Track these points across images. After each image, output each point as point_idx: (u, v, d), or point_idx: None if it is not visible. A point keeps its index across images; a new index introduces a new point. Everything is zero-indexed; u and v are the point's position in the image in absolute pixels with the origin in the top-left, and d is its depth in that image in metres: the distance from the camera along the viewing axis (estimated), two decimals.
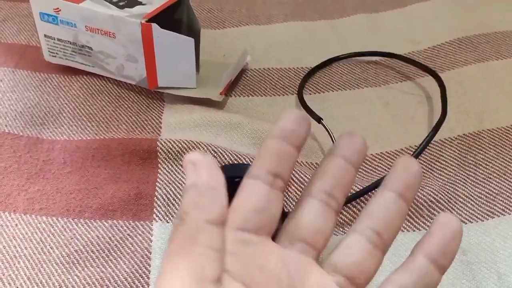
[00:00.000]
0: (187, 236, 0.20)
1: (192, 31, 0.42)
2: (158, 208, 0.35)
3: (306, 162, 0.38)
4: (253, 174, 0.23)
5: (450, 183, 0.37)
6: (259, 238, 0.22)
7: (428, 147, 0.40)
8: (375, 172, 0.38)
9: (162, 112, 0.42)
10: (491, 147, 0.40)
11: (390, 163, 0.39)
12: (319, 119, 0.40)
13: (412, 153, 0.39)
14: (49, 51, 0.43)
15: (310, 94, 0.45)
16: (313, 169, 0.38)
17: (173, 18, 0.42)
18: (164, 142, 0.38)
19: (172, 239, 0.21)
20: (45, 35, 0.42)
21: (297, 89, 0.45)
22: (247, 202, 0.23)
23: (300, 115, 0.25)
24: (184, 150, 0.38)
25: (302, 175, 0.36)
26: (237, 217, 0.22)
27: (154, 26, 0.38)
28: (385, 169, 0.38)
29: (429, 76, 0.46)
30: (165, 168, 0.37)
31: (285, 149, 0.24)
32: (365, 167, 0.38)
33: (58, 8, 0.39)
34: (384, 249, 0.24)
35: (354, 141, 0.26)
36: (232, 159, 0.36)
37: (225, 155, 0.37)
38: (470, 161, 0.39)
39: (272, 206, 0.23)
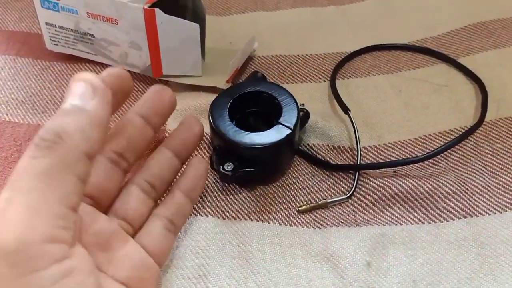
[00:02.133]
0: (64, 160, 0.20)
1: (197, 18, 0.41)
2: None
3: (333, 145, 0.37)
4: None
5: (467, 173, 0.36)
6: None
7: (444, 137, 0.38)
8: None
9: None
10: (508, 135, 0.38)
11: (403, 153, 0.37)
12: (346, 110, 0.38)
13: (428, 151, 0.38)
14: (50, 39, 0.42)
15: (319, 82, 0.43)
16: (336, 153, 0.37)
17: (177, 4, 0.40)
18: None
19: (43, 154, 0.19)
20: (46, 23, 0.41)
21: (305, 77, 0.44)
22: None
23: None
24: None
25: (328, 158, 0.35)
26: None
27: (158, 11, 0.36)
28: (398, 159, 0.37)
29: (443, 63, 0.45)
30: None
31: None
32: (378, 156, 0.37)
33: None
34: (156, 198, 0.29)
35: (160, 98, 0.28)
36: None
37: None
38: (487, 151, 0.37)
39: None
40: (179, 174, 0.31)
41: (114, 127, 0.27)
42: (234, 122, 0.33)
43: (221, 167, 0.32)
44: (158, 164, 0.29)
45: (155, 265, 0.27)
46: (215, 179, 0.35)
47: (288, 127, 0.33)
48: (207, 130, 0.36)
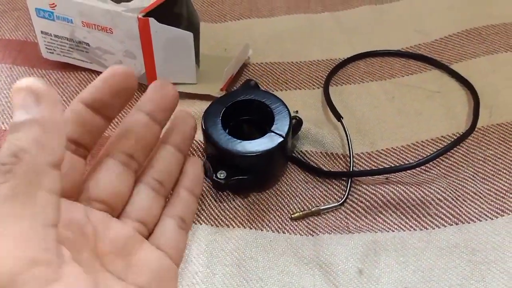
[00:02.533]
0: (27, 178, 0.18)
1: (192, 25, 0.41)
2: None
3: (326, 152, 0.38)
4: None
5: (459, 180, 0.36)
6: (63, 200, 0.22)
7: (436, 143, 0.39)
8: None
9: None
10: (500, 142, 0.38)
11: (396, 160, 0.37)
12: (339, 117, 0.39)
13: (421, 158, 0.38)
14: (46, 47, 0.42)
15: (313, 89, 0.44)
16: (330, 160, 0.37)
17: (172, 12, 0.41)
18: None
19: (6, 179, 0.18)
20: (41, 32, 0.41)
21: (299, 84, 0.44)
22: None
23: (123, 79, 0.25)
24: None
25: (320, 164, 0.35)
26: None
27: (152, 20, 0.37)
28: (391, 166, 0.37)
29: (436, 69, 0.45)
30: None
31: (91, 118, 0.25)
32: (371, 163, 0.37)
33: (53, 4, 0.38)
34: (166, 194, 0.29)
35: (163, 94, 0.27)
36: None
37: None
38: (479, 157, 0.37)
39: (72, 170, 0.24)
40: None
41: (121, 128, 0.26)
42: (227, 131, 0.33)
43: (214, 175, 0.33)
44: (163, 160, 0.28)
45: (173, 265, 0.27)
46: (208, 186, 0.35)
47: (280, 135, 0.33)
48: (201, 138, 0.37)
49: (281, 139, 0.33)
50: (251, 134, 0.36)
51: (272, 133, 0.33)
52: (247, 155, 0.32)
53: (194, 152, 0.37)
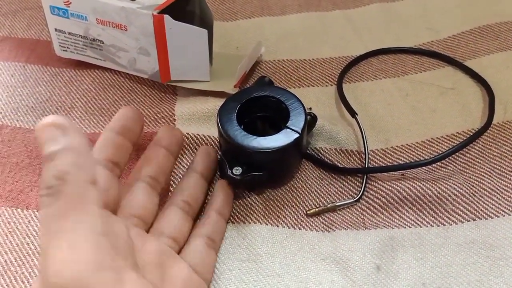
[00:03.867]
0: (74, 195, 0.21)
1: (205, 23, 0.41)
2: None
3: (340, 149, 0.38)
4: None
5: (475, 176, 0.36)
6: (109, 213, 0.25)
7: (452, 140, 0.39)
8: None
9: (175, 105, 0.41)
10: None
11: (410, 156, 0.37)
12: (353, 114, 0.39)
13: (436, 154, 0.38)
14: (60, 45, 0.42)
15: (326, 86, 0.43)
16: (344, 156, 0.37)
17: (185, 10, 0.41)
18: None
19: (56, 198, 0.20)
20: (55, 29, 0.41)
21: (312, 81, 0.44)
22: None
23: (134, 113, 0.30)
24: (200, 145, 0.37)
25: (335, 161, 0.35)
26: None
27: (167, 17, 0.37)
28: (406, 162, 0.37)
29: (450, 66, 0.45)
30: (181, 163, 0.36)
31: (120, 141, 0.28)
32: (386, 160, 0.37)
33: (68, 1, 0.39)
34: (194, 215, 0.31)
35: (174, 134, 0.33)
36: None
37: None
38: (495, 153, 0.37)
39: (112, 188, 0.27)
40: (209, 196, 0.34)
41: (143, 158, 0.31)
42: (242, 127, 0.33)
43: (229, 171, 0.32)
44: (189, 184, 0.32)
45: (203, 282, 0.28)
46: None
47: (296, 131, 0.33)
48: (216, 135, 0.37)
49: (297, 135, 0.33)
50: (266, 130, 0.36)
51: (287, 129, 0.33)
52: (263, 151, 0.32)
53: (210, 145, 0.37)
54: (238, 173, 0.32)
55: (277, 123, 0.35)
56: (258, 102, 0.35)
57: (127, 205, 0.29)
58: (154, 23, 0.37)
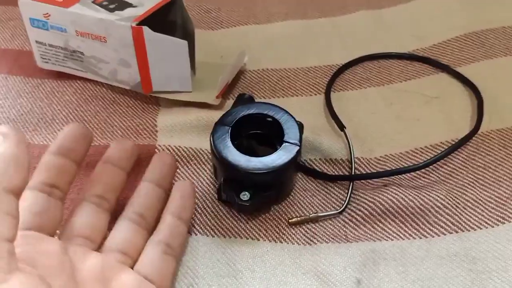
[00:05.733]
0: None
1: (187, 32, 0.41)
2: None
3: (330, 159, 0.37)
4: (29, 185, 0.27)
5: (458, 187, 0.35)
6: (41, 235, 0.26)
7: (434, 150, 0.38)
8: None
9: (157, 116, 0.41)
10: (500, 148, 0.38)
11: (395, 166, 0.37)
12: (342, 127, 0.38)
13: (421, 162, 0.37)
14: (41, 57, 0.42)
15: (310, 95, 0.43)
16: (329, 166, 0.37)
17: (166, 20, 0.40)
18: (163, 149, 0.37)
19: None
20: (36, 41, 0.41)
21: (296, 91, 0.43)
22: (25, 207, 0.26)
23: (79, 132, 0.30)
24: (183, 157, 0.37)
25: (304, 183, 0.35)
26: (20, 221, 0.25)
27: (145, 29, 0.36)
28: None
29: (435, 74, 0.45)
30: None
31: (61, 163, 0.28)
32: (370, 169, 0.37)
33: (47, 13, 0.38)
34: (148, 227, 0.30)
35: (124, 148, 0.32)
36: None
37: None
38: (479, 163, 0.37)
39: (49, 210, 0.27)
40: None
41: (91, 177, 0.31)
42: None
43: (237, 199, 0.32)
44: (141, 195, 0.31)
45: None
46: (203, 197, 0.35)
47: (295, 144, 0.33)
48: (199, 146, 0.36)
49: (297, 147, 0.32)
50: (254, 147, 0.35)
51: (286, 143, 0.33)
52: (271, 171, 0.31)
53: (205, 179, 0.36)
54: (246, 198, 0.32)
55: (268, 138, 0.35)
56: (248, 122, 0.34)
57: (71, 226, 0.29)
58: (133, 34, 0.36)
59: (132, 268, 0.28)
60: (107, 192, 0.30)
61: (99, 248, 0.29)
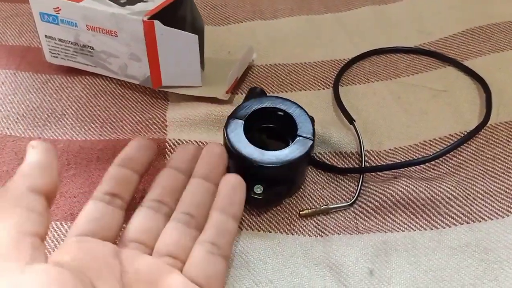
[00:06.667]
0: (9, 200, 0.24)
1: (196, 28, 0.41)
2: None
3: (340, 152, 0.37)
4: (92, 196, 0.29)
5: (468, 178, 0.36)
6: (95, 239, 0.27)
7: (444, 142, 0.38)
8: None
9: (167, 110, 0.41)
10: (509, 140, 0.38)
11: (404, 158, 0.37)
12: (351, 120, 0.38)
13: (431, 154, 0.38)
14: (50, 52, 0.42)
15: (319, 89, 0.43)
16: (339, 159, 0.37)
17: (176, 15, 0.40)
18: (173, 143, 0.37)
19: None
20: (46, 36, 0.41)
21: (305, 85, 0.44)
22: (83, 215, 0.28)
23: (142, 144, 0.31)
24: None
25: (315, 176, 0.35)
26: (74, 227, 0.27)
27: (157, 23, 0.36)
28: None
29: (442, 68, 0.45)
30: None
31: (123, 174, 0.30)
32: (380, 162, 0.37)
33: (58, 8, 0.38)
34: (198, 225, 0.29)
35: (186, 152, 0.33)
36: None
37: None
38: (488, 155, 0.37)
39: (106, 217, 0.28)
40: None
41: (152, 183, 0.31)
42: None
43: (250, 192, 0.31)
44: (189, 193, 0.31)
45: None
46: None
47: (309, 138, 0.33)
48: (208, 139, 0.36)
49: (311, 141, 0.33)
50: (265, 141, 0.36)
51: (300, 137, 0.33)
52: (285, 165, 0.31)
53: None
54: (260, 191, 0.32)
55: (281, 132, 0.35)
56: (261, 115, 0.35)
57: (127, 231, 0.29)
58: (145, 29, 0.37)
59: (181, 270, 0.28)
60: (165, 196, 0.30)
61: (151, 252, 0.29)
